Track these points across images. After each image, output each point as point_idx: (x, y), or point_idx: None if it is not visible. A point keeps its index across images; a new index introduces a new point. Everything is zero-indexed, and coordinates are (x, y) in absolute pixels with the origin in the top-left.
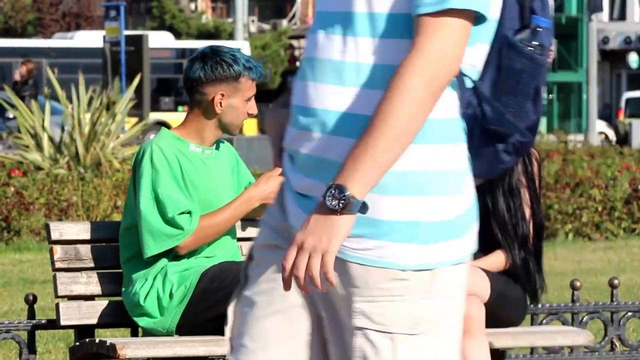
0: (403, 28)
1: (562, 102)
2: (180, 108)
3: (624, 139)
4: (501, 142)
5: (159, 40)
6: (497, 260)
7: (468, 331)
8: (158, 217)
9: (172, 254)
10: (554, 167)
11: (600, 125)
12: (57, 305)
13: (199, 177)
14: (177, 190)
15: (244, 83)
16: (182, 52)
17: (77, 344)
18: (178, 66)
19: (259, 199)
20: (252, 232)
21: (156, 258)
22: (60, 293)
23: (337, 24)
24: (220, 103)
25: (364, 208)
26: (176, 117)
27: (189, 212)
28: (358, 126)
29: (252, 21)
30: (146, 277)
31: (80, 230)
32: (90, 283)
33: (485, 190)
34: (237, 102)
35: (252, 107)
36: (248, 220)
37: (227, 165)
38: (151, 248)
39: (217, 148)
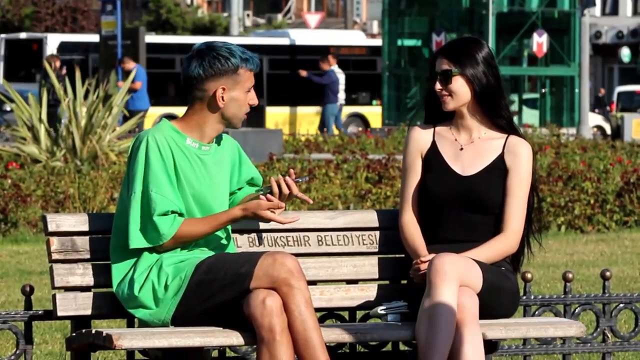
0: None
1: (554, 96)
2: (374, 102)
3: (615, 132)
4: None
5: (353, 38)
6: (500, 245)
7: (461, 322)
8: (143, 215)
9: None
10: (547, 160)
11: (597, 119)
12: (53, 296)
13: (193, 172)
14: (167, 187)
15: (242, 74)
16: (374, 50)
17: (74, 334)
18: (371, 63)
19: (242, 219)
20: (246, 223)
21: (144, 250)
22: (57, 284)
23: None
24: (223, 97)
25: None
26: (370, 110)
27: (175, 213)
28: None
29: (248, 15)
30: (135, 268)
31: (76, 222)
32: (86, 274)
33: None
34: (238, 94)
35: (253, 97)
36: None
37: (227, 161)
38: (134, 242)
39: (218, 143)
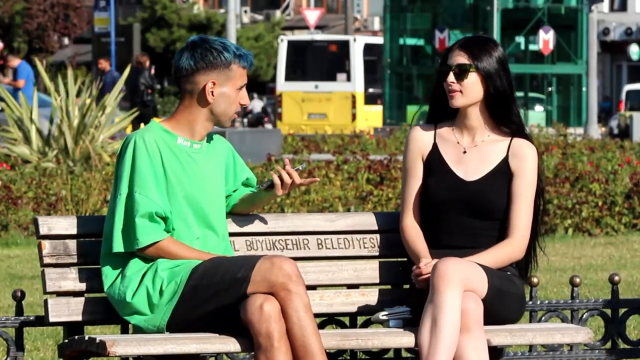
0: None
1: (561, 95)
2: None
3: (624, 132)
4: None
5: None
6: (507, 251)
7: (465, 327)
8: (126, 217)
9: None
10: (554, 161)
11: None
12: (45, 301)
13: (184, 172)
14: (152, 189)
15: (235, 71)
16: None
17: (66, 341)
18: None
19: None
20: (244, 226)
21: (134, 255)
22: (48, 289)
23: None
24: (212, 92)
25: None
26: None
27: (159, 216)
28: None
29: (245, 12)
30: (125, 272)
31: (69, 224)
32: (79, 279)
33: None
34: (228, 90)
35: (244, 97)
36: (238, 214)
37: (219, 161)
38: (116, 245)
39: (210, 143)
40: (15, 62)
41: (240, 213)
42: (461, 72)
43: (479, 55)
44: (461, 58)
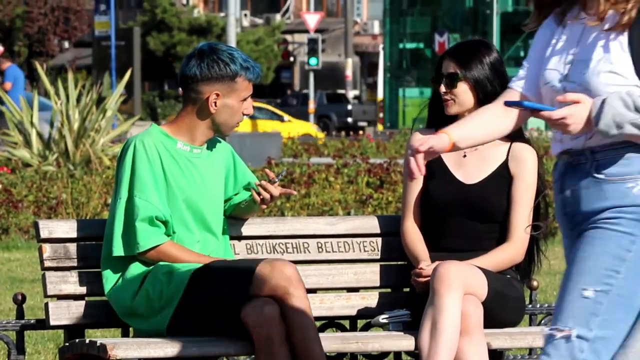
0: None
1: None
2: None
3: None
4: None
5: None
6: (507, 254)
7: (465, 331)
8: (126, 221)
9: None
10: (553, 164)
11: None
12: (46, 304)
13: (183, 177)
14: (152, 192)
15: (240, 83)
16: None
17: (67, 344)
18: None
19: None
20: (244, 230)
21: (135, 258)
22: (49, 292)
23: None
24: (215, 103)
25: None
26: None
27: (159, 220)
28: None
29: (245, 15)
30: (126, 276)
31: (69, 228)
32: (80, 282)
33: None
34: (232, 102)
35: (248, 107)
36: (239, 219)
37: (220, 165)
38: (117, 249)
39: (210, 147)
40: (4, 65)
41: (238, 217)
42: (451, 81)
43: (468, 64)
44: (450, 67)
